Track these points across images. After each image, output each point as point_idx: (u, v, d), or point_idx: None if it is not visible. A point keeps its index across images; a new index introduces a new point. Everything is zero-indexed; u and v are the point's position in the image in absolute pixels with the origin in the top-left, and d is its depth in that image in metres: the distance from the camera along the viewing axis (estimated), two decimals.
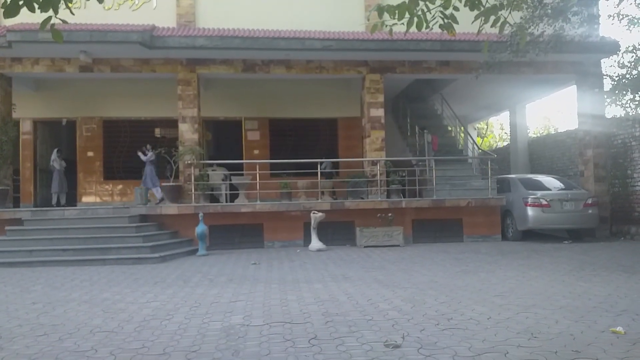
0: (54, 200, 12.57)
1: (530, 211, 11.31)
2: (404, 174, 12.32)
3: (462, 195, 12.15)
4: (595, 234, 12.33)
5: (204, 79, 12.72)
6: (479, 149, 16.20)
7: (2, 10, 3.57)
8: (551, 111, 49.84)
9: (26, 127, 13.82)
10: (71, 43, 10.43)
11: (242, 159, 13.64)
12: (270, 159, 13.64)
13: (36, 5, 3.84)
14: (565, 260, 8.43)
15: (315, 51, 11.62)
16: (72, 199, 13.57)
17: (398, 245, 10.96)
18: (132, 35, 10.66)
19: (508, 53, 10.14)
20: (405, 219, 11.70)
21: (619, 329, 4.05)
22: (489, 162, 12.36)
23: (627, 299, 5.35)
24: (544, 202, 11.26)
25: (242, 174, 12.39)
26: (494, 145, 30.32)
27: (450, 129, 16.55)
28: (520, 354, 3.54)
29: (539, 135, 23.52)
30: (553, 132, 24.47)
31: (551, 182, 12.39)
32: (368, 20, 11.37)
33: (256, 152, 14.30)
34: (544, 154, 16.64)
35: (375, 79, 12.53)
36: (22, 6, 3.79)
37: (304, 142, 14.54)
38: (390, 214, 11.28)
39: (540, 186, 12.02)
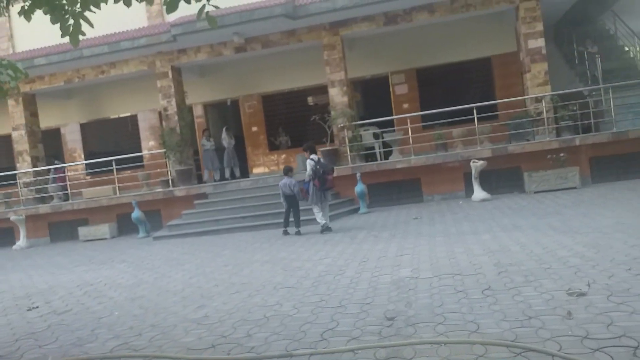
0: (227, 174, 13.96)
1: None
2: (575, 108, 11.02)
3: None
4: None
5: (347, 40, 12.76)
6: None
7: (165, 7, 3.96)
8: None
9: (198, 111, 15.47)
10: (224, 27, 11.24)
11: (392, 115, 13.52)
12: (421, 111, 13.26)
13: None
14: None
15: None
16: (245, 171, 14.95)
17: (574, 188, 9.96)
18: (276, 9, 11.13)
19: None
20: (581, 157, 10.53)
21: None
22: None
23: None
24: None
25: (393, 130, 12.30)
26: None
27: (627, 49, 14.28)
28: None
29: None
30: None
31: None
32: None
33: (405, 105, 14.02)
34: None
35: (530, 7, 11.27)
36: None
37: (455, 88, 13.80)
38: (562, 154, 10.24)
39: None
